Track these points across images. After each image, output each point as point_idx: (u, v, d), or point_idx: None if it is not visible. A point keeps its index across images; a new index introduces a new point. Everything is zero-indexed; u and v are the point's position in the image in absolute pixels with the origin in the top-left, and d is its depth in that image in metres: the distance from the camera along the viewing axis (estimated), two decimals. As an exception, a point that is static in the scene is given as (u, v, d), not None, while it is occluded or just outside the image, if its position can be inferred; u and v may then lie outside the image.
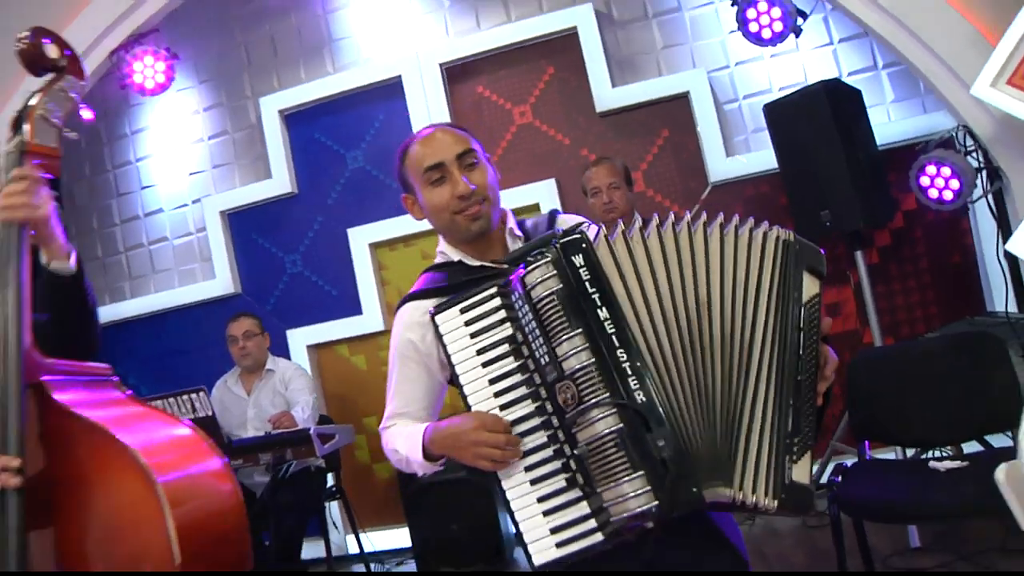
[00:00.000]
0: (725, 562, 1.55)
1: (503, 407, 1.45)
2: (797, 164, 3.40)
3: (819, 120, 3.23)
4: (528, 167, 4.08)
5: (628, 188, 3.23)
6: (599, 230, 1.44)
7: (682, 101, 3.95)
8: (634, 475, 1.32)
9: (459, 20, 4.20)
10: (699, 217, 1.45)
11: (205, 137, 4.53)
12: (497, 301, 1.45)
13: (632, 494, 1.32)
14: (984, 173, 2.90)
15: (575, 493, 1.40)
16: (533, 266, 1.39)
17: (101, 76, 4.12)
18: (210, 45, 4.46)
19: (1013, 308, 3.30)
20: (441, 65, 4.14)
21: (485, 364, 1.46)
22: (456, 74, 4.18)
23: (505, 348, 1.45)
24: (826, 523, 2.47)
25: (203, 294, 4.44)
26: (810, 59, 3.80)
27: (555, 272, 1.37)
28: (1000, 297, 3.33)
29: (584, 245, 1.39)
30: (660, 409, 1.34)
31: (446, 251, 1.66)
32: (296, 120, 4.36)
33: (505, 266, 1.48)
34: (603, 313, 1.37)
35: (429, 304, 1.51)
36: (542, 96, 4.12)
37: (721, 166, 3.89)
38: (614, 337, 1.36)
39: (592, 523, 1.39)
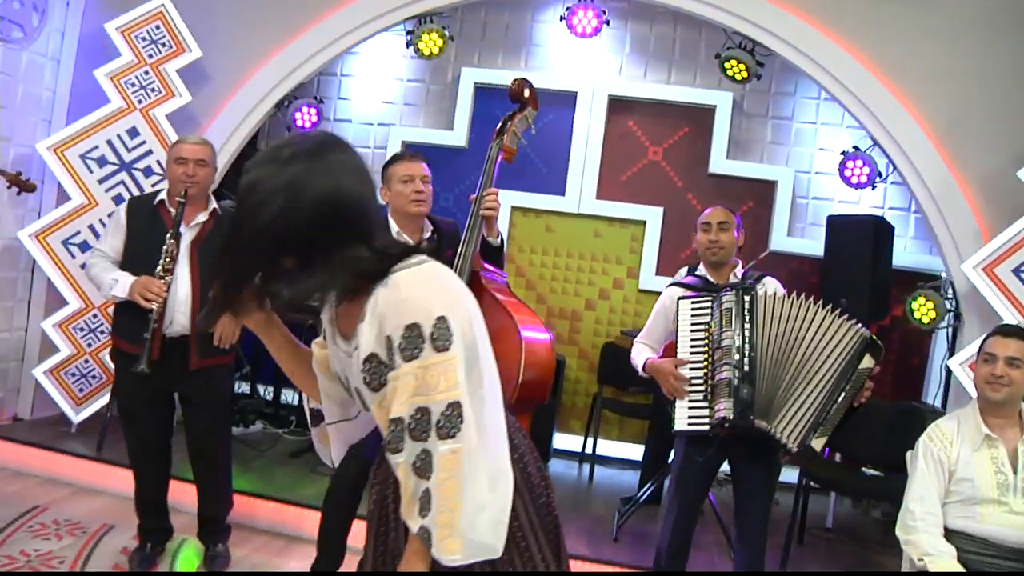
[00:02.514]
0: (759, 472, 3.26)
1: (691, 353, 3.15)
2: (837, 261, 5.16)
3: (861, 239, 4.98)
4: (646, 193, 5.78)
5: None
6: (768, 289, 3.15)
7: (770, 185, 5.68)
8: (729, 399, 3.03)
9: (631, 67, 5.85)
10: (809, 299, 3.14)
11: (404, 78, 6.09)
12: (708, 304, 3.15)
13: (724, 408, 3.03)
14: (952, 314, 4.69)
15: (705, 403, 3.12)
16: (726, 294, 3.09)
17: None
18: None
19: (939, 404, 5.16)
20: (609, 95, 5.78)
21: (692, 329, 3.17)
22: (616, 106, 5.84)
23: (702, 326, 3.15)
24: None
25: (367, 196, 6.00)
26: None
27: (735, 299, 3.08)
28: (932, 398, 5.20)
29: (752, 292, 3.08)
30: (753, 376, 3.04)
31: (701, 269, 3.34)
32: (484, 94, 5.96)
33: (718, 288, 3.19)
34: (747, 325, 3.07)
35: (680, 292, 3.23)
36: (674, 145, 5.82)
37: (781, 240, 5.64)
38: (746, 335, 3.05)
39: (705, 418, 3.10)
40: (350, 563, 3.24)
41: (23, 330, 4.86)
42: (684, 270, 4.96)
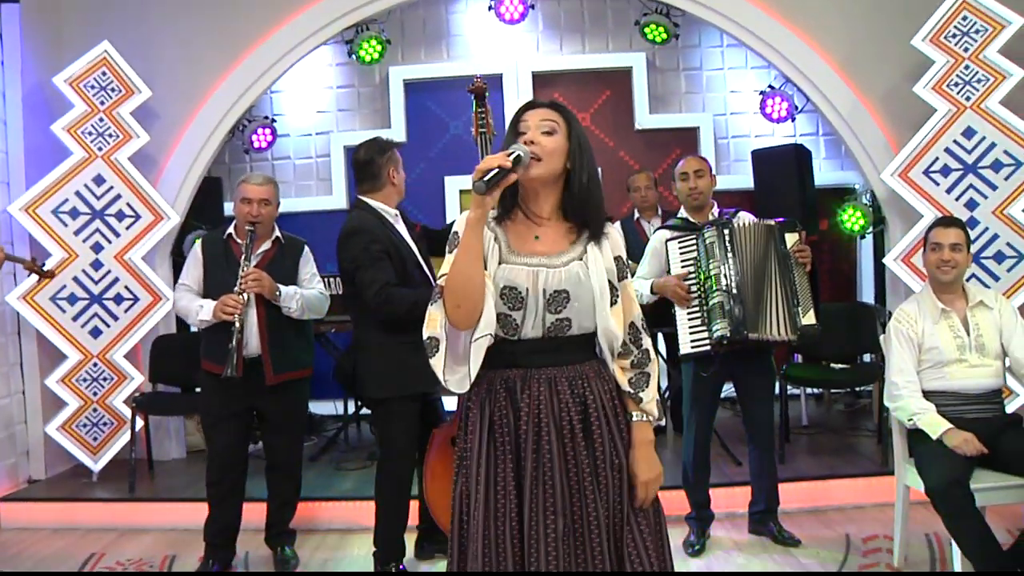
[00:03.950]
0: (759, 378, 3.87)
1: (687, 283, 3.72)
2: (767, 189, 5.84)
3: (785, 167, 5.67)
4: (584, 157, 6.30)
5: (655, 190, 5.47)
6: (743, 221, 3.74)
7: (692, 132, 6.33)
8: (723, 319, 3.61)
9: (548, 42, 6.38)
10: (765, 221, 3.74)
11: (334, 85, 6.43)
12: (694, 242, 3.71)
13: (720, 327, 3.60)
14: (875, 219, 5.45)
15: (703, 326, 3.69)
16: (708, 230, 3.67)
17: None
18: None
19: (872, 300, 5.94)
20: (532, 72, 6.29)
21: (683, 265, 3.73)
22: (540, 81, 6.35)
23: (691, 260, 3.71)
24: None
25: (318, 206, 6.34)
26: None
27: (716, 234, 3.65)
28: (866, 296, 5.98)
29: (730, 225, 3.65)
30: (740, 296, 3.62)
31: (683, 213, 3.89)
32: (414, 88, 6.36)
33: (701, 226, 3.76)
34: (729, 254, 3.64)
35: (668, 234, 3.78)
36: (599, 109, 6.39)
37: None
38: (730, 262, 3.62)
39: (705, 339, 3.67)
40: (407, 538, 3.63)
41: (20, 393, 5.00)
42: (616, 224, 5.54)
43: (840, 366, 5.02)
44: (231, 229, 3.76)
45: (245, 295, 3.52)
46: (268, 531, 3.93)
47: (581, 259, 1.99)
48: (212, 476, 3.77)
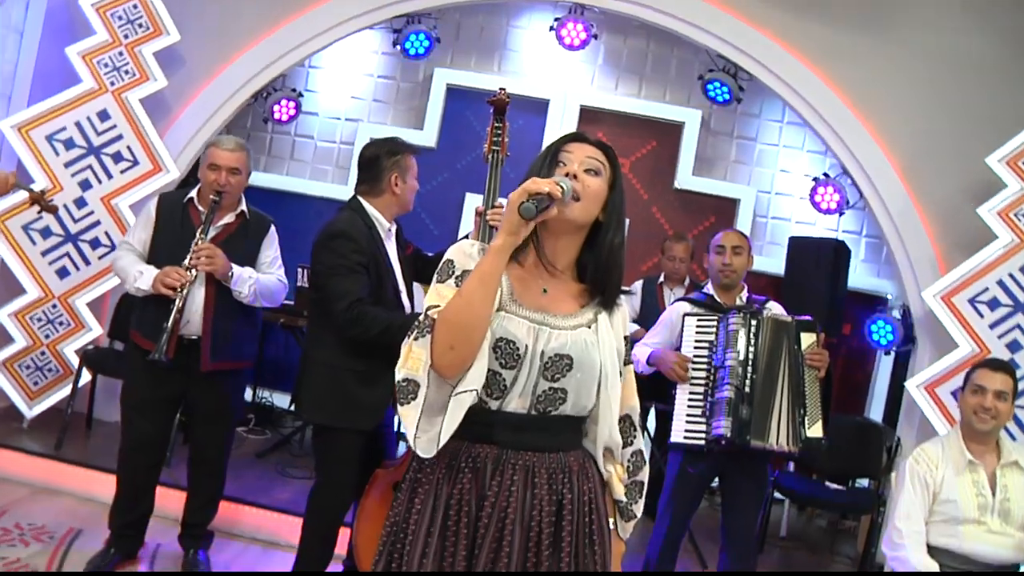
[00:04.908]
0: (750, 484, 3.44)
1: (693, 369, 3.31)
2: (796, 279, 5.42)
3: (821, 260, 5.25)
4: (614, 204, 5.91)
5: (689, 263, 5.07)
6: (764, 309, 3.33)
7: (732, 203, 5.92)
8: (728, 418, 3.20)
9: (604, 78, 6.00)
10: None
11: (375, 74, 6.07)
12: (714, 324, 3.31)
13: (723, 426, 3.20)
14: (904, 337, 5.02)
15: (702, 418, 3.28)
16: (734, 316, 3.27)
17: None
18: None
19: (880, 419, 5.50)
20: (581, 105, 5.91)
21: (696, 345, 3.33)
22: (587, 116, 5.96)
23: (706, 344, 3.31)
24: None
25: (329, 193, 5.96)
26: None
27: (743, 322, 3.25)
28: (875, 414, 5.54)
29: (759, 316, 3.26)
30: (751, 396, 3.22)
31: (709, 288, 3.49)
32: (456, 95, 5.99)
33: (727, 308, 3.35)
34: (751, 348, 3.24)
35: (688, 308, 3.38)
36: (642, 159, 5.99)
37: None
38: (750, 358, 3.23)
39: (702, 433, 3.27)
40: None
41: (-26, 319, 4.64)
42: (639, 283, 5.17)
43: (835, 486, 4.57)
44: (193, 193, 3.34)
45: (193, 272, 3.12)
46: (183, 529, 3.54)
47: (591, 327, 1.70)
48: (123, 464, 3.37)
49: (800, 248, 5.44)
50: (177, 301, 3.09)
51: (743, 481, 3.39)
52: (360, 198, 3.08)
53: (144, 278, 3.17)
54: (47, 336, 4.52)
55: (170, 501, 3.62)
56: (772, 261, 5.78)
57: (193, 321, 3.23)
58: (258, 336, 3.58)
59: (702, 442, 3.24)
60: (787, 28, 4.89)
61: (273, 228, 3.48)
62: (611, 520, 1.72)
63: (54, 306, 4.52)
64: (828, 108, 4.82)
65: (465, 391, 1.57)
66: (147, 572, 3.44)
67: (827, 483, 4.56)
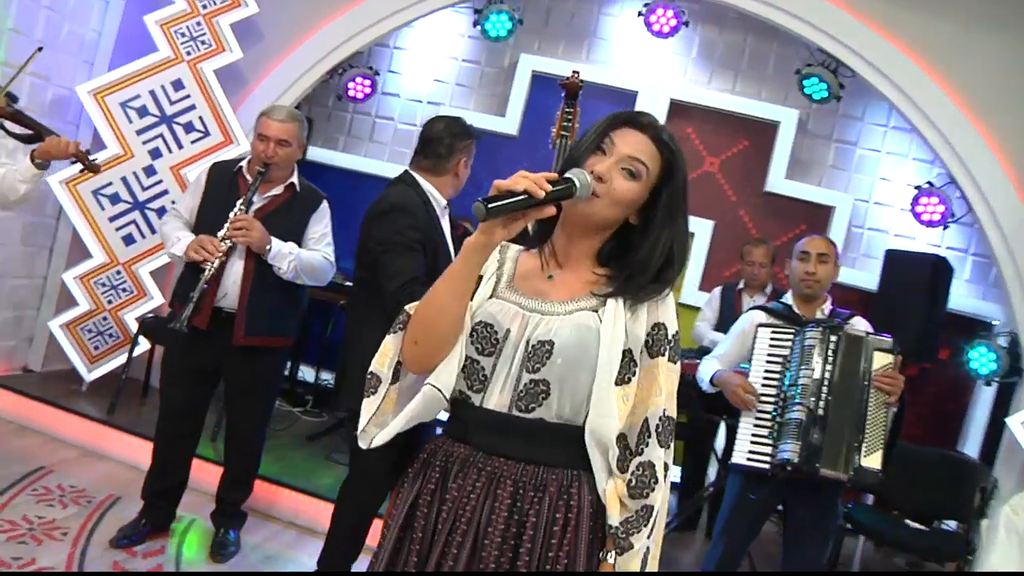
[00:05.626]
0: (817, 517, 3.06)
1: (763, 385, 2.96)
2: (891, 296, 4.95)
3: (920, 277, 4.77)
4: (698, 204, 5.55)
5: (770, 268, 4.68)
6: (847, 324, 2.96)
7: (826, 210, 5.47)
8: (796, 442, 2.84)
9: (696, 72, 5.63)
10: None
11: (460, 57, 5.87)
12: (790, 337, 2.96)
13: (790, 450, 2.84)
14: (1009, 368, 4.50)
15: (769, 439, 2.93)
16: (811, 330, 2.90)
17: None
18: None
19: (976, 455, 4.97)
20: (671, 99, 5.56)
21: (768, 360, 2.98)
22: (677, 110, 5.61)
23: (779, 359, 2.96)
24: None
25: (406, 176, 5.80)
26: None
27: (821, 337, 2.89)
28: (970, 449, 5.01)
29: (840, 332, 2.89)
30: (826, 422, 2.85)
31: (788, 298, 3.15)
32: (541, 83, 5.73)
33: (805, 321, 3.00)
34: (828, 366, 2.88)
35: (763, 318, 3.03)
36: (731, 158, 5.60)
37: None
38: (826, 378, 2.87)
39: (767, 456, 2.92)
40: (361, 563, 3.05)
41: (43, 278, 4.66)
42: (718, 289, 4.80)
43: (916, 525, 4.10)
44: (244, 163, 3.22)
45: (227, 242, 2.96)
46: (217, 505, 3.42)
47: (596, 311, 1.44)
48: (159, 434, 3.28)
49: (897, 262, 4.97)
50: (206, 271, 2.96)
51: (809, 514, 3.03)
52: (415, 173, 2.87)
53: (180, 244, 3.08)
54: (110, 302, 4.49)
55: (211, 476, 3.51)
56: (866, 275, 5.31)
57: (230, 293, 3.10)
58: (300, 314, 3.41)
59: (766, 466, 2.92)
60: (897, 21, 4.43)
61: (325, 204, 3.32)
62: (605, 552, 1.41)
63: (118, 272, 4.49)
64: (938, 111, 4.35)
65: (431, 384, 1.43)
66: (143, 572, 3.32)
67: (907, 521, 4.10)
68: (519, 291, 1.50)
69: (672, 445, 1.47)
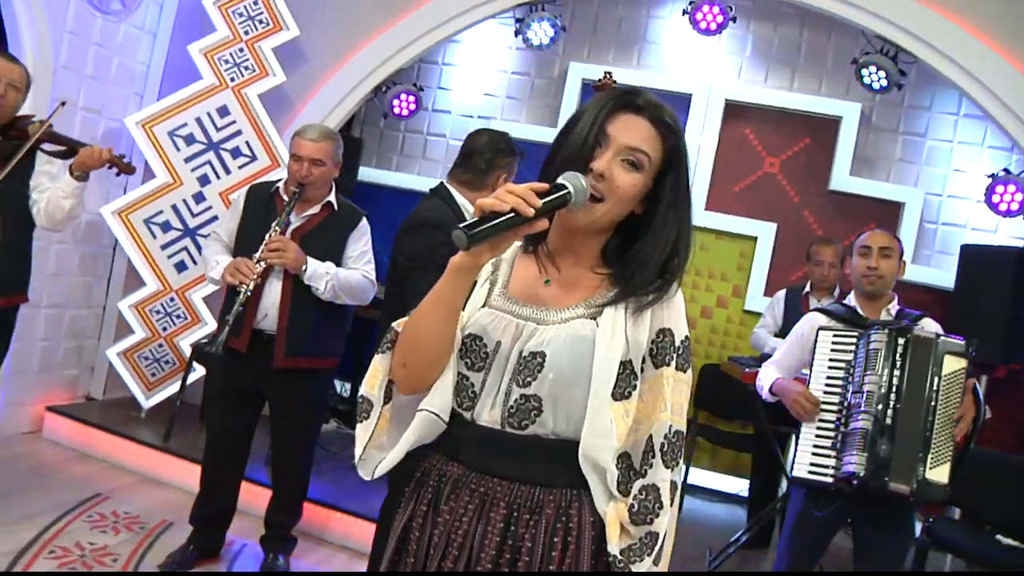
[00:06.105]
0: (888, 536, 2.81)
1: (825, 392, 2.74)
2: (969, 295, 4.60)
3: (1001, 273, 4.43)
4: (759, 207, 5.31)
5: (840, 269, 4.40)
6: (916, 326, 2.71)
7: (896, 207, 5.15)
8: (862, 453, 2.60)
9: (752, 70, 5.40)
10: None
11: (509, 70, 5.77)
12: (853, 340, 2.73)
13: (855, 463, 2.60)
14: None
15: (832, 450, 2.70)
16: (876, 332, 2.67)
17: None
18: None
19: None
20: (726, 99, 5.34)
21: (830, 366, 2.76)
22: (733, 111, 5.39)
23: (842, 364, 2.73)
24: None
25: (458, 192, 5.71)
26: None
27: (887, 339, 2.65)
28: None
29: (908, 334, 2.65)
30: (895, 431, 2.60)
31: (851, 299, 2.93)
32: (593, 91, 5.57)
33: (869, 323, 2.76)
34: (896, 371, 2.64)
35: (823, 320, 2.81)
36: (792, 157, 5.34)
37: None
38: (894, 384, 2.62)
39: (831, 469, 2.69)
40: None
41: (101, 308, 4.72)
42: (782, 292, 4.53)
43: (1011, 542, 3.74)
44: (280, 183, 3.17)
45: (262, 263, 2.90)
46: (266, 530, 3.35)
47: (593, 319, 1.31)
48: (205, 459, 3.24)
49: (975, 257, 4.63)
50: (241, 294, 2.91)
51: (878, 532, 2.78)
52: (451, 186, 2.77)
53: (217, 269, 3.06)
54: (164, 328, 4.51)
55: (263, 500, 3.43)
56: (942, 274, 4.97)
57: (270, 315, 3.05)
58: (344, 333, 3.33)
59: (829, 479, 2.69)
60: (961, 1, 4.13)
61: (364, 222, 3.24)
62: None
63: (172, 299, 4.51)
64: (1013, 94, 4.02)
65: (425, 410, 1.33)
66: (148, 572, 3.26)
67: (999, 537, 3.74)
68: (514, 298, 1.38)
69: (682, 463, 1.31)
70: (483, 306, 1.38)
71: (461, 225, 1.18)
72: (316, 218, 3.13)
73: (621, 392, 1.27)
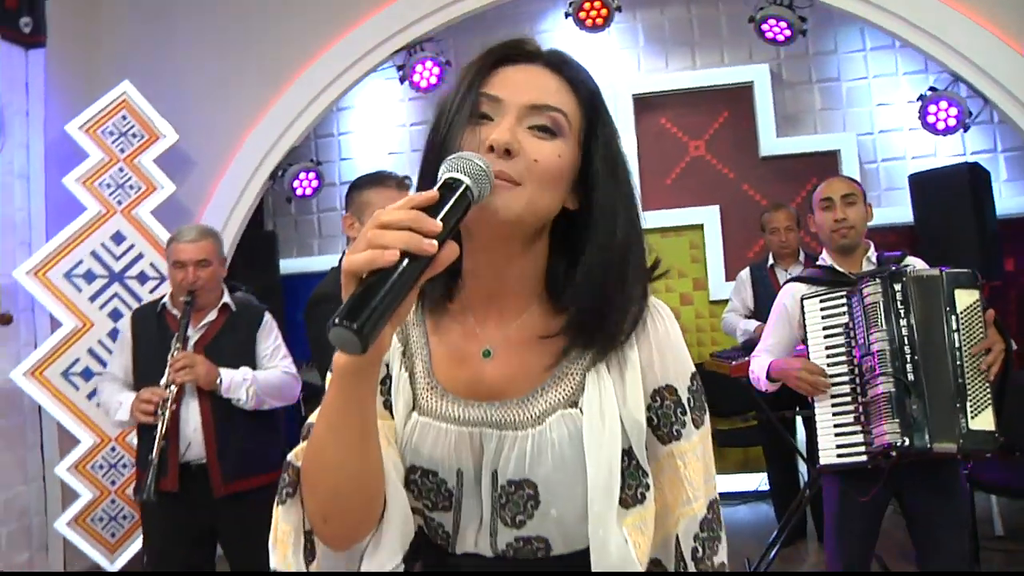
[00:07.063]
0: (943, 501, 2.47)
1: (829, 363, 2.42)
2: (931, 223, 4.38)
3: (957, 193, 4.21)
4: (696, 193, 5.06)
5: (797, 232, 4.18)
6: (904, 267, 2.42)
7: (832, 156, 4.94)
8: (893, 420, 2.29)
9: (651, 59, 5.18)
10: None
11: (407, 123, 5.48)
12: (843, 301, 2.42)
13: (889, 431, 2.29)
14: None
15: (857, 427, 2.38)
16: (867, 285, 2.37)
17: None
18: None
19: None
20: (633, 95, 5.10)
21: (827, 335, 2.44)
22: (643, 105, 5.16)
23: (839, 328, 2.43)
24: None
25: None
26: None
27: (881, 290, 2.35)
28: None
29: (903, 277, 2.36)
30: (921, 386, 2.30)
31: (825, 258, 2.62)
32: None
33: (854, 278, 2.46)
34: (902, 320, 2.34)
35: (804, 289, 2.50)
36: (715, 135, 5.11)
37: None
38: (903, 335, 2.32)
39: (861, 446, 2.36)
40: None
41: (40, 479, 4.23)
42: (745, 271, 4.26)
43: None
44: (166, 298, 2.82)
45: (173, 387, 2.53)
46: None
47: (575, 405, 0.93)
48: None
49: (925, 185, 4.41)
50: (159, 427, 2.52)
51: (931, 501, 2.46)
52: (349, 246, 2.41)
53: (123, 408, 2.70)
54: (113, 482, 4.04)
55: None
56: (897, 210, 4.75)
57: (194, 443, 2.67)
58: (281, 437, 2.95)
59: (864, 458, 2.37)
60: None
61: (268, 316, 2.91)
62: None
63: (113, 449, 4.05)
64: (921, 12, 3.82)
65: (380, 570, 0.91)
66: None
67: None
68: (448, 392, 0.97)
69: (724, 541, 0.99)
70: (412, 411, 0.98)
71: (336, 318, 0.73)
72: (216, 324, 2.80)
73: (631, 497, 0.92)
